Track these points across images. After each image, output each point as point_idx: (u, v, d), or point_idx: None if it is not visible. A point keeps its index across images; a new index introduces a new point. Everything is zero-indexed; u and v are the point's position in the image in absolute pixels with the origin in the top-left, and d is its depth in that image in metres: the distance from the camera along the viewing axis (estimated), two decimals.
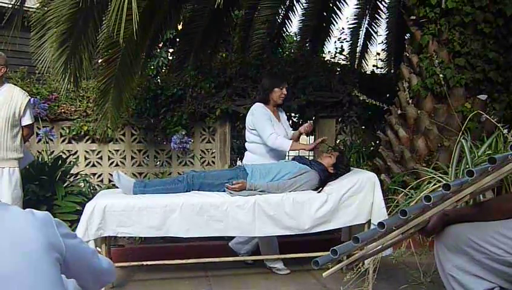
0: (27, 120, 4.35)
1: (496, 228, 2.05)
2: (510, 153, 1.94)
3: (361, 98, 5.80)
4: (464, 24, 5.19)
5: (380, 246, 2.15)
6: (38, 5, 5.32)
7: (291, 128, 5.05)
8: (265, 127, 4.37)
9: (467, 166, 4.21)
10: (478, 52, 5.18)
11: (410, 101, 5.46)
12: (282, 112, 4.74)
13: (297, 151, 5.18)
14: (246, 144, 4.71)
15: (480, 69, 5.18)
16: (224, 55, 8.00)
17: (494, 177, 2.00)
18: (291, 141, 4.38)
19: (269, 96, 4.50)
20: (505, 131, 4.58)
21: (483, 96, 5.16)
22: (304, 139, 7.04)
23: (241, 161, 7.53)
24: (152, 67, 8.04)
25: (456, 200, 2.06)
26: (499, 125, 4.64)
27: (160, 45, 8.15)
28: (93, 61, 5.91)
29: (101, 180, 6.62)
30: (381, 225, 1.94)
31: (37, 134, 5.74)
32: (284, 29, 8.87)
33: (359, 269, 3.76)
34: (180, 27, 8.09)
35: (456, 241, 2.16)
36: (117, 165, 6.63)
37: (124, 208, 3.67)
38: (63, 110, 6.45)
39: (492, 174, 1.99)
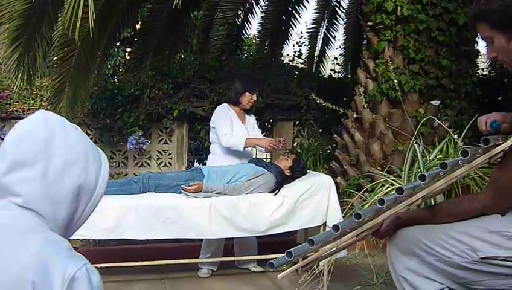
0: None
1: (445, 230, 2.10)
2: (460, 159, 1.99)
3: (318, 102, 5.85)
4: (419, 31, 5.30)
5: (334, 248, 2.17)
6: None
7: (263, 133, 4.99)
8: (223, 126, 4.34)
9: (419, 170, 4.30)
10: (432, 59, 5.30)
11: (366, 106, 5.54)
12: (251, 115, 4.71)
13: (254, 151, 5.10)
14: (210, 146, 4.67)
15: (434, 76, 5.31)
16: (182, 56, 7.94)
17: (445, 182, 2.04)
18: (245, 139, 4.32)
19: (239, 99, 4.48)
20: (456, 136, 4.70)
21: (436, 102, 5.29)
22: None
23: (200, 163, 7.52)
24: (109, 66, 7.90)
25: (409, 203, 2.10)
26: (450, 130, 4.76)
27: (118, 44, 8.01)
28: (47, 58, 5.77)
29: None
30: (335, 227, 1.96)
31: None
32: (244, 31, 8.86)
33: (314, 271, 3.80)
34: (138, 26, 7.98)
35: (407, 243, 2.20)
36: None
37: None
38: (15, 109, 6.26)
39: (443, 179, 2.03)
